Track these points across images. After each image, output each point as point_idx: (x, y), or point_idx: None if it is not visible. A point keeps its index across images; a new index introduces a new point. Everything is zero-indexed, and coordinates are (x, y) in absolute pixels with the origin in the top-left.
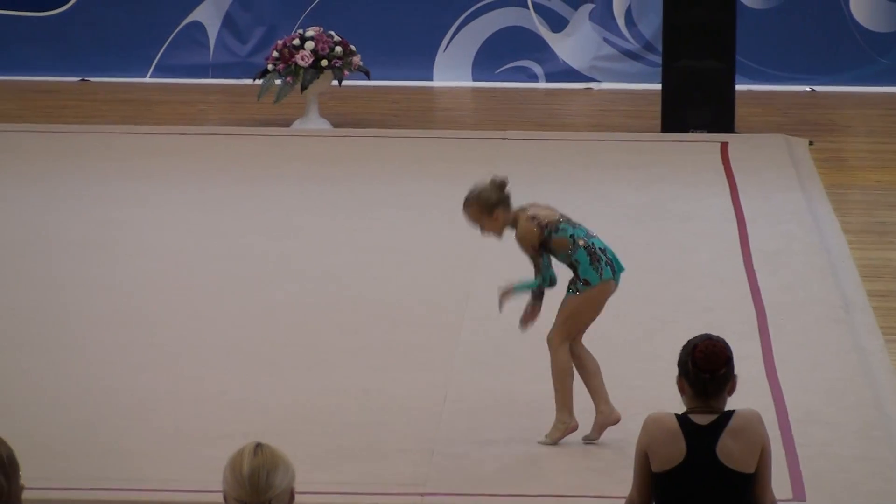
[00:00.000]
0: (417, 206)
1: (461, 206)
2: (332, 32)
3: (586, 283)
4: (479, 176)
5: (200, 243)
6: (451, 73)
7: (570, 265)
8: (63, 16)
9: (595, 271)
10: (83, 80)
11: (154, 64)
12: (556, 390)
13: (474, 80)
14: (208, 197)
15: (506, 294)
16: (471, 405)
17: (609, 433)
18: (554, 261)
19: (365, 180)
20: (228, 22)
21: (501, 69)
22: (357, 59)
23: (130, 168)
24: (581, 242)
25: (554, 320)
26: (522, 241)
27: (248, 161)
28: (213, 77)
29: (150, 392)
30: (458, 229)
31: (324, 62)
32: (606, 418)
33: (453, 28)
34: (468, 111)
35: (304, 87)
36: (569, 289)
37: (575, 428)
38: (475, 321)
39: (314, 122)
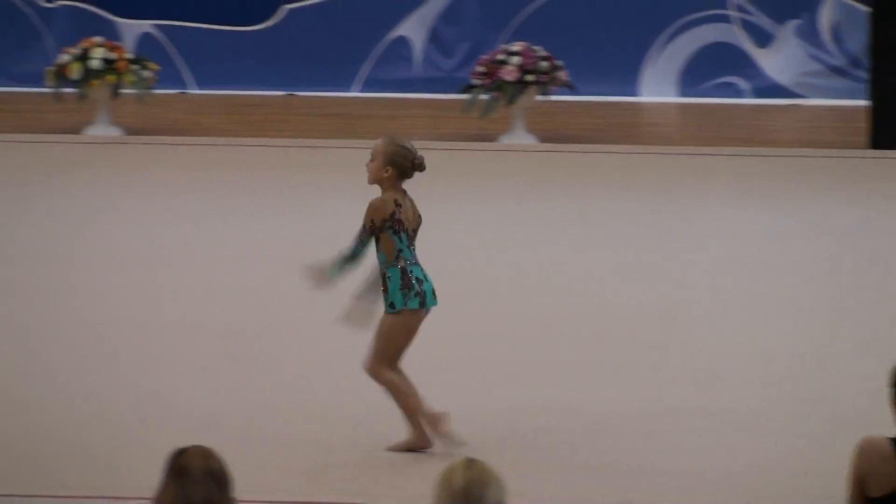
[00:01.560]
0: (623, 222)
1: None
2: (538, 47)
3: (392, 305)
4: (686, 191)
5: None
6: (657, 89)
7: (382, 276)
8: (270, 30)
9: (402, 297)
10: (290, 94)
11: (359, 78)
12: (403, 409)
13: (680, 95)
14: None
15: (319, 276)
16: (681, 420)
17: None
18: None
19: (571, 195)
20: (433, 37)
21: (707, 84)
22: (563, 74)
23: (337, 182)
24: (401, 263)
25: (371, 347)
26: (372, 206)
27: (454, 176)
28: (417, 91)
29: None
30: (665, 246)
31: (529, 77)
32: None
33: (659, 43)
34: (674, 127)
35: (509, 102)
36: (385, 308)
37: (441, 417)
38: (680, 334)
39: (520, 136)
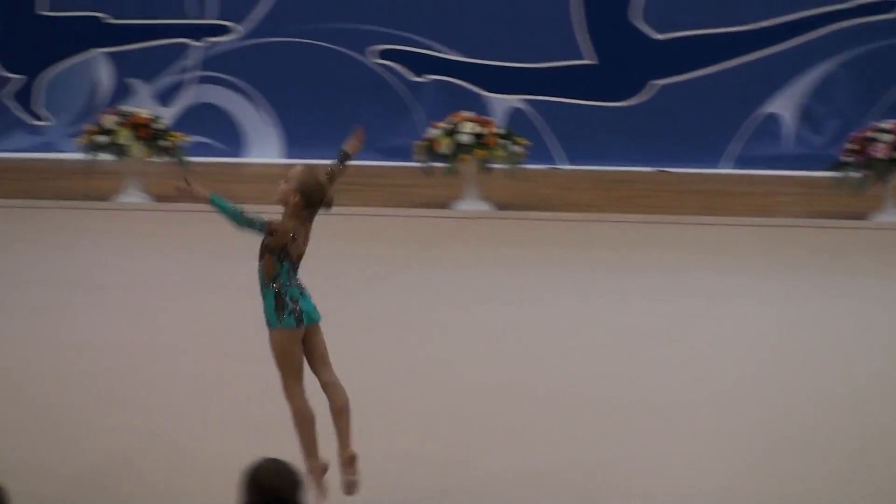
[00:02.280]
0: None
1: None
2: None
3: (268, 323)
4: None
5: (764, 339)
6: None
7: (261, 292)
8: (640, 106)
9: (276, 317)
10: (661, 170)
11: (729, 154)
12: (299, 438)
13: None
14: (781, 289)
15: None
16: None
17: None
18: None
19: None
20: (804, 114)
21: None
22: None
23: (707, 261)
24: (275, 287)
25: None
26: (276, 227)
27: (826, 254)
28: (787, 169)
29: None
30: None
31: None
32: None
33: None
34: None
35: (880, 180)
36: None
37: (325, 468)
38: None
39: (891, 214)
